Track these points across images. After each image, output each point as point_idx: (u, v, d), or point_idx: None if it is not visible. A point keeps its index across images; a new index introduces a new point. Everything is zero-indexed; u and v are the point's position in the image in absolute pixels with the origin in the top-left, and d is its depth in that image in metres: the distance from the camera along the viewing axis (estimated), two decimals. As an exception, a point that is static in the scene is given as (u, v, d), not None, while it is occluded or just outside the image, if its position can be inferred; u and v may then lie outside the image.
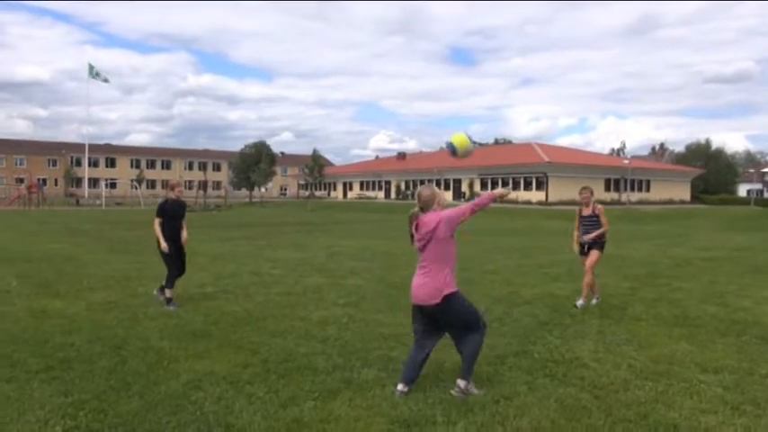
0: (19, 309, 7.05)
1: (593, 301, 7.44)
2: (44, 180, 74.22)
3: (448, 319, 4.23)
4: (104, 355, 5.14)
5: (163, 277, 7.41)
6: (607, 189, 46.96)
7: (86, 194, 63.49)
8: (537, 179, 44.91)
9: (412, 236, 4.33)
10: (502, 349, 5.37)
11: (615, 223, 27.87)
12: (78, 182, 77.35)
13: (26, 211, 38.56)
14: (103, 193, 54.21)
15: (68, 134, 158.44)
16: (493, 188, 47.54)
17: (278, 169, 70.30)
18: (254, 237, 18.60)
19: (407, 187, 57.68)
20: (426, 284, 4.18)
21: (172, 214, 7.29)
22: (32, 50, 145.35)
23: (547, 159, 44.91)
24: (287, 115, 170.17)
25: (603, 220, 7.39)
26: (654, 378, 4.62)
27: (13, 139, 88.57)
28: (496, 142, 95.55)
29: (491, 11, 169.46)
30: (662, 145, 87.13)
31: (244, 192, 64.40)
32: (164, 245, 7.13)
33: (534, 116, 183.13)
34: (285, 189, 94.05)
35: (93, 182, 73.84)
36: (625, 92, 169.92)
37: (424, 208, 4.26)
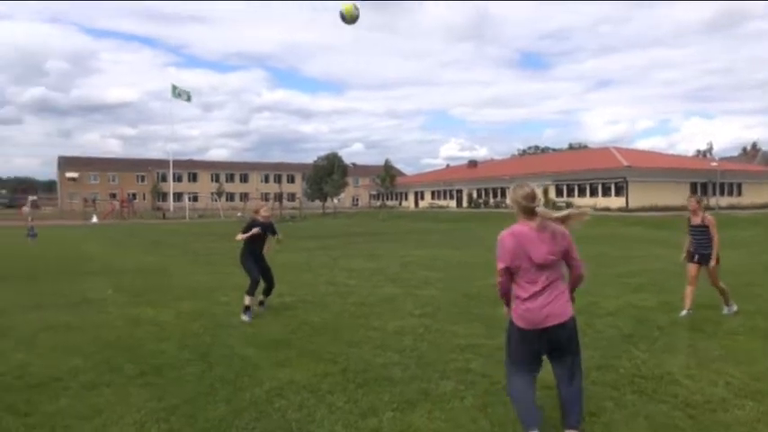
0: (115, 317, 7.52)
1: (683, 313, 7.07)
2: (134, 195, 79.04)
3: (569, 343, 3.56)
4: (192, 361, 5.39)
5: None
6: (693, 193, 44.43)
7: (171, 208, 66.98)
8: (616, 185, 43.07)
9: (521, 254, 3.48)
10: (584, 362, 5.15)
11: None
12: (164, 196, 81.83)
13: (118, 224, 41.15)
14: (187, 207, 57.00)
15: (154, 151, 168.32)
16: (569, 195, 46.32)
17: (350, 180, 71.37)
18: (329, 247, 18.95)
19: (479, 195, 56.97)
20: (556, 301, 3.49)
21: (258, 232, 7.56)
22: (122, 74, 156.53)
23: (626, 164, 43.01)
24: (358, 126, 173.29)
25: (713, 231, 7.11)
26: (755, 397, 4.30)
27: (106, 157, 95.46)
28: (571, 147, 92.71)
29: (563, 12, 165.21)
30: (754, 145, 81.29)
31: (317, 203, 65.80)
32: (255, 230, 7.40)
33: (611, 119, 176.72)
34: (357, 199, 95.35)
35: (178, 196, 77.81)
36: (710, 90, 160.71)
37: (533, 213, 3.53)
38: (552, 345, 3.53)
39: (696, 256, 7.20)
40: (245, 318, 7.16)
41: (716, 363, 5.16)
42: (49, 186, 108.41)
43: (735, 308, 7.27)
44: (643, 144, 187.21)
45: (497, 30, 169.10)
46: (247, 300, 7.32)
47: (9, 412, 4.18)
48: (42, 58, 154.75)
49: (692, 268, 7.23)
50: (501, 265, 3.54)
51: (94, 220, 45.35)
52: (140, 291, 9.63)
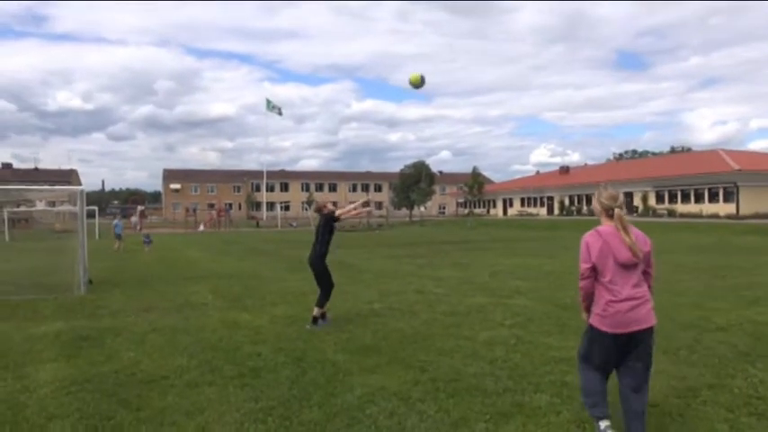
0: (214, 320, 7.92)
1: None
2: (230, 205, 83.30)
3: (646, 352, 3.56)
4: (287, 365, 5.55)
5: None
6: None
7: (264, 217, 69.90)
8: (725, 190, 40.04)
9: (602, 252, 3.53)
10: (693, 381, 4.81)
11: (828, 238, 23.96)
12: (258, 205, 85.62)
13: (216, 232, 43.48)
14: (279, 215, 59.30)
15: (249, 162, 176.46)
16: (671, 201, 43.58)
17: (436, 188, 71.30)
18: (416, 255, 18.97)
19: (572, 202, 54.98)
20: (644, 305, 3.50)
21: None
22: (221, 90, 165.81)
23: (736, 167, 39.89)
24: (445, 134, 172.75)
25: None
26: None
27: (205, 169, 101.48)
28: (673, 150, 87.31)
29: (665, 7, 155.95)
30: None
31: (404, 211, 66.24)
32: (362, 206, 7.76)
33: (719, 119, 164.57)
34: (444, 207, 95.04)
35: (270, 205, 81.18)
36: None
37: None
38: (631, 351, 3.54)
39: None
40: (318, 327, 7.21)
41: None
42: (155, 197, 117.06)
43: None
44: (756, 145, 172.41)
45: (592, 30, 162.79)
46: (317, 311, 7.37)
47: (122, 406, 4.50)
48: (152, 78, 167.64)
49: None
50: (585, 266, 3.57)
51: (201, 228, 48.21)
52: (237, 296, 10.09)
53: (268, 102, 71.88)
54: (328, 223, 7.47)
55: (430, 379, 5.01)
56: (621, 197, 3.68)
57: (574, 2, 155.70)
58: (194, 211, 59.26)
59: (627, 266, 3.49)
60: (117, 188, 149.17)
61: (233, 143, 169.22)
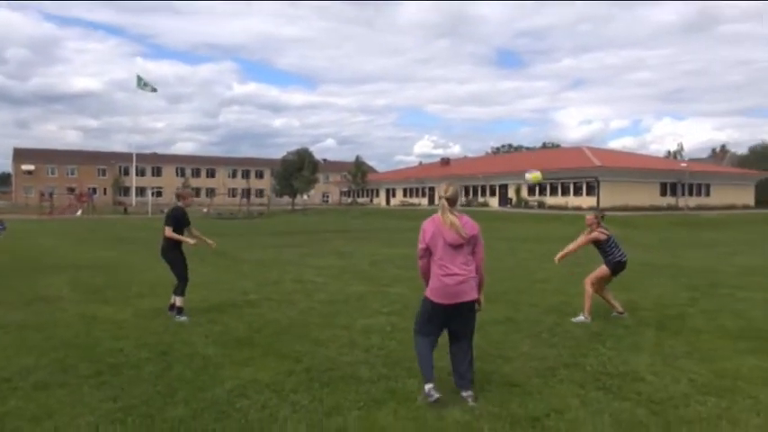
0: (71, 315, 7.24)
1: (620, 313, 7.03)
2: (94, 189, 76.95)
3: (469, 321, 4.30)
4: (151, 360, 5.20)
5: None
6: (663, 194, 45.39)
7: (134, 203, 65.58)
8: (588, 184, 43.76)
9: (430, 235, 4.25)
10: (552, 361, 5.17)
11: (671, 230, 27.24)
12: (126, 191, 79.96)
13: (76, 219, 40.01)
14: (150, 202, 55.86)
15: (117, 144, 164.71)
16: (541, 194, 46.85)
17: (320, 176, 71.00)
18: (297, 244, 18.75)
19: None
20: (468, 281, 4.15)
21: (182, 222, 7.16)
22: (86, 63, 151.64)
23: (598, 163, 43.78)
24: (330, 122, 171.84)
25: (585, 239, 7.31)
26: (717, 394, 4.35)
27: (65, 149, 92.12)
28: (545, 146, 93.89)
29: (541, 11, 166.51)
30: (723, 147, 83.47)
31: (286, 199, 65.26)
32: (192, 241, 7.09)
33: (585, 119, 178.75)
34: (327, 196, 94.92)
35: (141, 190, 76.16)
36: (683, 92, 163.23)
37: (453, 203, 4.24)
38: (457, 319, 4.24)
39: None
40: (183, 318, 6.81)
41: (680, 360, 5.22)
42: (3, 179, 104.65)
43: (583, 318, 6.87)
44: (615, 144, 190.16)
45: (474, 28, 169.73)
46: (180, 301, 6.97)
47: (-49, 415, 3.95)
48: (1, 44, 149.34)
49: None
50: (421, 246, 4.28)
51: (79, 213, 44.19)
52: (98, 288, 9.31)
53: (139, 78, 67.17)
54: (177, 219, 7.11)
55: (304, 369, 4.93)
56: (451, 190, 4.23)
57: (456, 0, 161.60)
58: (51, 195, 53.87)
59: (454, 246, 4.13)
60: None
61: (98, 122, 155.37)
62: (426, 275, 4.31)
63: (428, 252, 4.23)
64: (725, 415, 3.95)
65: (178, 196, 7.46)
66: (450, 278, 4.12)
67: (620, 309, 7.08)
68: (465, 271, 4.15)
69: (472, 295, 4.19)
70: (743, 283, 9.91)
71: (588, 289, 7.02)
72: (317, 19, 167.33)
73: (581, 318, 6.85)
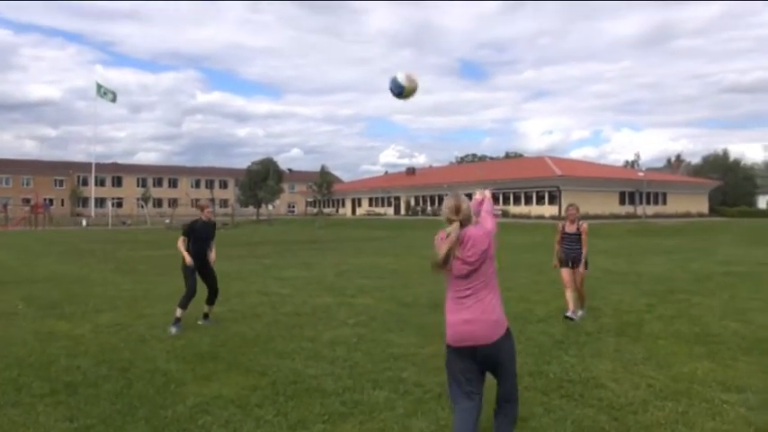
0: (25, 331, 6.98)
1: (579, 315, 7.52)
2: (51, 200, 74.59)
3: (504, 361, 3.26)
4: (110, 378, 5.05)
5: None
6: (622, 202, 46.61)
7: (93, 214, 63.83)
8: (549, 193, 44.64)
9: (446, 258, 3.17)
10: (518, 368, 5.21)
11: (630, 237, 27.95)
12: (85, 201, 77.75)
13: (31, 231, 38.69)
14: (110, 213, 54.47)
15: (77, 154, 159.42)
16: (505, 203, 47.57)
17: (285, 186, 70.48)
18: (262, 255, 18.54)
19: (417, 203, 57.60)
20: (482, 318, 3.16)
21: (200, 235, 7.17)
22: (44, 71, 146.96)
23: (559, 173, 44.70)
24: (295, 131, 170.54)
25: (584, 238, 7.66)
26: (674, 398, 4.47)
27: (19, 159, 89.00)
28: (507, 156, 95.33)
29: (503, 24, 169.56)
30: (678, 157, 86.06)
31: (251, 209, 64.50)
32: (188, 259, 6.99)
33: (547, 129, 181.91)
34: (293, 206, 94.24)
35: (100, 201, 74.21)
36: (639, 103, 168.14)
37: (465, 222, 3.24)
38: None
39: (570, 262, 7.65)
40: (173, 330, 6.76)
41: (639, 366, 5.35)
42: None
43: (582, 314, 7.60)
44: (576, 154, 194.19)
45: (437, 38, 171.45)
46: (179, 312, 6.92)
47: None
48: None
49: (566, 273, 7.67)
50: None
51: (84, 224, 42.72)
52: (55, 303, 9.00)
53: (98, 86, 65.55)
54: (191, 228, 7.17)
55: (269, 383, 4.86)
56: (466, 205, 3.30)
57: (420, 11, 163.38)
58: (5, 206, 52.09)
59: (464, 274, 3.22)
60: None
61: (57, 131, 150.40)
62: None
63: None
64: (681, 419, 4.06)
65: (198, 207, 7.41)
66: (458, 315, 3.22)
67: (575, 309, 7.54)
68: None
69: (493, 338, 3.18)
70: (698, 288, 10.23)
71: (584, 290, 7.74)
72: (282, 28, 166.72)
73: (580, 313, 7.53)
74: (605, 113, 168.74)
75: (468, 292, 3.19)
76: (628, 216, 43.37)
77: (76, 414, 4.20)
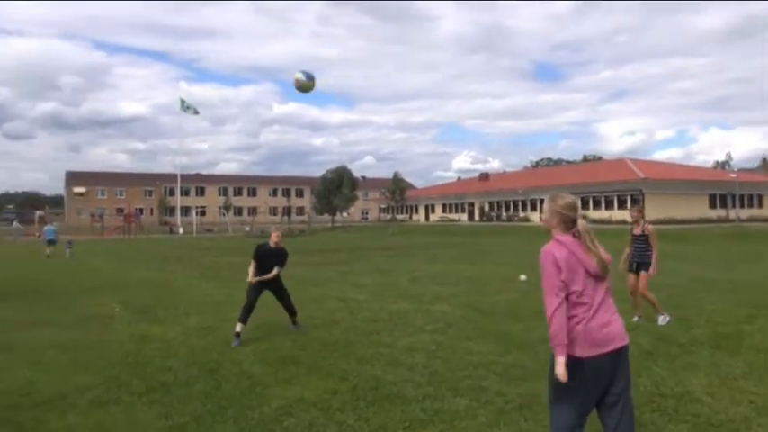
0: (122, 333, 7.46)
1: (661, 320, 7.32)
2: (141, 210, 79.32)
3: (625, 371, 2.97)
4: (200, 378, 5.30)
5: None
6: (712, 206, 43.88)
7: (179, 222, 67.28)
8: (632, 197, 42.62)
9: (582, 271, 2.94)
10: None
11: (723, 243, 26.23)
12: (171, 211, 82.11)
13: (124, 239, 41.27)
14: (194, 221, 57.17)
15: (164, 165, 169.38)
16: (583, 207, 45.87)
17: (359, 193, 71.39)
18: (337, 262, 18.86)
19: (491, 209, 56.75)
20: (617, 320, 2.99)
21: (265, 262, 7.16)
22: (133, 89, 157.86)
23: (642, 176, 42.70)
24: (369, 139, 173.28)
25: (653, 241, 7.48)
26: (781, 417, 4.14)
27: (113, 171, 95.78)
28: (585, 159, 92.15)
29: (578, 23, 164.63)
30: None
31: (326, 217, 65.83)
32: (250, 277, 7.12)
33: (628, 130, 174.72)
34: (367, 213, 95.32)
35: (185, 210, 78.07)
36: (729, 100, 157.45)
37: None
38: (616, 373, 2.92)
39: (634, 265, 7.52)
40: (234, 343, 6.69)
41: (739, 381, 5.00)
42: (57, 201, 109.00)
43: (668, 318, 7.40)
44: (660, 155, 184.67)
45: (510, 42, 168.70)
46: (238, 326, 6.82)
47: (16, 430, 4.11)
48: (55, 73, 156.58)
49: (631, 278, 7.56)
50: (557, 283, 2.86)
51: (181, 231, 45.61)
52: (147, 307, 9.56)
53: (182, 101, 69.11)
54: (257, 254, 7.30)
55: (350, 388, 4.93)
56: (579, 205, 3.11)
57: (491, 13, 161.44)
58: (101, 216, 55.94)
59: (597, 278, 2.98)
60: (12, 191, 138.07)
61: (145, 145, 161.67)
62: (561, 333, 2.83)
63: (565, 290, 2.88)
64: (790, 439, 3.76)
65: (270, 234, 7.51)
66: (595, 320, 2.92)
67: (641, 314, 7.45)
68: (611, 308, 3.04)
69: (626, 340, 2.99)
70: (803, 298, 9.43)
71: (649, 294, 7.45)
72: (353, 39, 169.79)
73: (662, 318, 7.33)
74: (691, 112, 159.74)
75: (604, 293, 3.02)
76: (719, 220, 40.72)
77: (171, 412, 4.43)
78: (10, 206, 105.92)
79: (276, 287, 7.38)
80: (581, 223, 3.00)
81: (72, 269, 17.34)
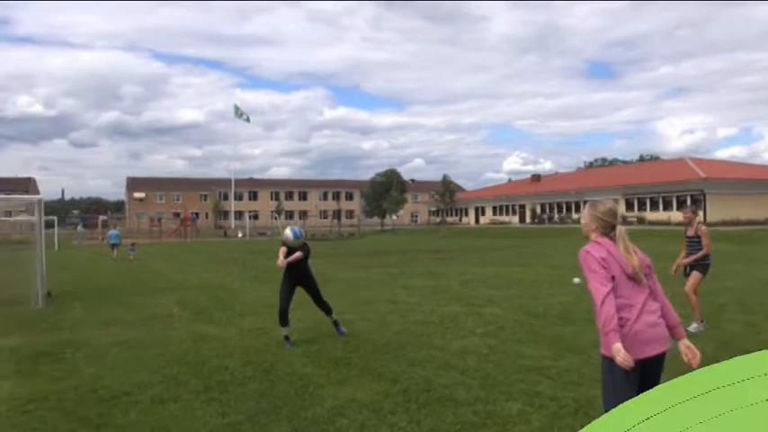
0: (180, 333, 7.72)
1: (692, 328, 6.84)
2: (197, 214, 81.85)
3: (658, 375, 2.98)
4: (255, 378, 5.42)
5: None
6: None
7: (233, 226, 69.10)
8: (692, 197, 40.93)
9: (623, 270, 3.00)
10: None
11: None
12: (225, 215, 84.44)
13: (182, 242, 42.71)
14: (248, 225, 58.60)
15: (218, 171, 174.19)
16: (640, 209, 44.45)
17: (408, 196, 71.47)
18: (388, 264, 18.91)
19: (543, 210, 55.68)
20: (662, 323, 3.02)
21: (290, 251, 7.15)
22: (190, 97, 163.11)
23: (703, 175, 40.90)
24: (418, 142, 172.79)
25: (705, 242, 7.23)
26: None
27: (171, 177, 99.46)
28: (641, 159, 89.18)
29: (634, 19, 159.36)
30: None
31: (376, 220, 66.23)
32: (280, 261, 7.03)
33: (687, 128, 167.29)
34: (416, 216, 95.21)
35: (239, 214, 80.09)
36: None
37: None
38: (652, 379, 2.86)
39: (688, 268, 7.29)
40: (286, 346, 6.73)
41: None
42: (118, 206, 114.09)
43: (702, 328, 6.99)
44: (723, 154, 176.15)
45: (563, 40, 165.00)
46: (283, 330, 6.87)
47: (83, 425, 4.32)
48: (118, 83, 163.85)
49: (688, 280, 7.30)
50: (604, 280, 2.91)
51: (240, 235, 46.85)
52: (204, 308, 9.87)
53: (236, 108, 71.34)
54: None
55: (401, 390, 4.94)
56: (619, 211, 3.21)
57: (543, 12, 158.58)
58: (159, 220, 58.17)
59: (635, 280, 3.01)
60: (77, 197, 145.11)
61: (201, 151, 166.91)
62: (613, 320, 2.85)
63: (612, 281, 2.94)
64: None
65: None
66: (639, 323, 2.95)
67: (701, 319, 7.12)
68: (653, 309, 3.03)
69: (667, 345, 3.02)
70: None
71: (693, 296, 7.15)
72: (403, 41, 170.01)
73: (695, 326, 6.92)
74: (757, 108, 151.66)
75: (647, 295, 3.03)
76: (789, 221, 38.56)
77: (227, 410, 4.55)
78: (75, 211, 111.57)
79: (305, 280, 7.29)
80: (619, 228, 3.13)
81: (134, 271, 18.09)
